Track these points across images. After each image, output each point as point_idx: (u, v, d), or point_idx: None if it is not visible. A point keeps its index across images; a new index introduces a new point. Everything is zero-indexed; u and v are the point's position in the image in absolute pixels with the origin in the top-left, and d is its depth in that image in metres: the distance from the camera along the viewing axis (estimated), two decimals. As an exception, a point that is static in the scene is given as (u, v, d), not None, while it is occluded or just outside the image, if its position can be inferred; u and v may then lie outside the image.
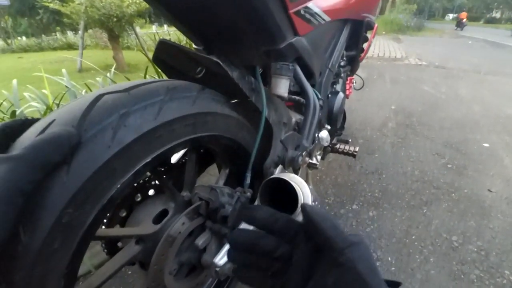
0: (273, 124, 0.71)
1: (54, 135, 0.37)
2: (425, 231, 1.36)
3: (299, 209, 0.52)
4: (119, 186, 0.43)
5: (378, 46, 7.05)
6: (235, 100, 0.71)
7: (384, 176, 1.79)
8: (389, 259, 1.20)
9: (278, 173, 0.68)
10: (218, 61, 0.56)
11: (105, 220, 0.66)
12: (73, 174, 0.39)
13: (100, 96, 0.43)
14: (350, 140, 1.03)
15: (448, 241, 1.30)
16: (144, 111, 0.44)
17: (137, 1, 4.06)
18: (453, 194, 1.63)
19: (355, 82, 1.82)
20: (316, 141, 0.75)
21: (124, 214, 0.70)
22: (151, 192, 0.75)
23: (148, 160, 0.46)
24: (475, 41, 9.34)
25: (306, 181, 1.06)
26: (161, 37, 0.59)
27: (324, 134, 0.71)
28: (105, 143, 0.40)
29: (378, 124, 2.55)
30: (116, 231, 0.62)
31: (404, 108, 2.95)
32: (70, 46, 9.77)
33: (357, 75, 1.88)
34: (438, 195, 1.62)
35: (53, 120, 0.42)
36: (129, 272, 1.15)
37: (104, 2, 3.93)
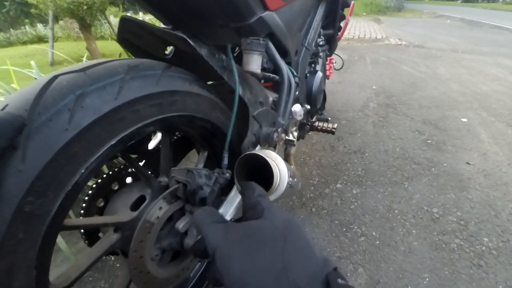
0: (249, 103, 0.70)
1: None
2: (407, 205, 1.40)
3: (275, 184, 0.52)
4: (83, 171, 0.41)
5: (359, 28, 7.06)
6: (209, 81, 0.69)
7: (366, 154, 1.82)
8: (374, 233, 1.24)
9: (258, 149, 0.67)
10: (184, 36, 0.53)
11: (82, 211, 0.64)
12: (29, 161, 0.36)
13: (55, 78, 0.41)
14: (329, 118, 1.03)
15: (429, 213, 1.35)
16: (103, 91, 0.42)
17: (109, -13, 3.86)
18: (433, 169, 1.68)
19: (335, 62, 1.82)
20: (290, 116, 0.75)
21: (102, 204, 0.68)
22: (128, 180, 0.73)
23: (113, 143, 0.44)
24: (453, 20, 9.49)
25: (288, 161, 1.06)
26: (122, 14, 0.56)
27: (297, 107, 0.70)
28: (61, 127, 0.38)
29: (360, 105, 2.58)
30: (92, 220, 0.60)
31: (384, 88, 2.98)
32: (41, 39, 9.27)
33: (336, 55, 1.88)
34: (418, 170, 1.67)
35: (6, 106, 0.39)
36: (118, 265, 1.13)
37: (72, -11, 3.71)
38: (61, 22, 8.24)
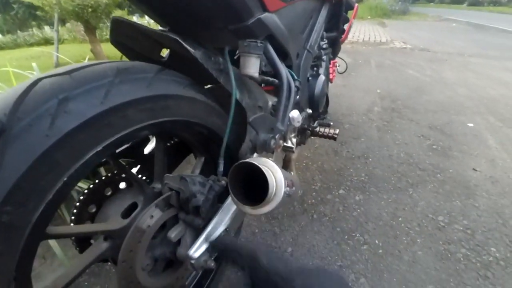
0: (247, 107, 0.67)
1: None
2: (412, 213, 1.35)
3: (271, 194, 0.49)
4: (66, 179, 0.39)
5: (364, 31, 7.01)
6: (206, 85, 0.67)
7: (370, 160, 1.78)
8: (377, 242, 1.20)
9: (254, 157, 0.65)
10: (177, 38, 0.51)
11: (73, 217, 0.62)
12: (7, 168, 0.34)
13: (38, 81, 0.39)
14: (331, 123, 1.00)
15: (434, 222, 1.30)
16: (87, 95, 0.40)
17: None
18: (439, 175, 1.63)
19: (339, 66, 1.79)
20: (288, 122, 0.72)
21: (94, 210, 0.66)
22: (122, 185, 0.71)
23: (99, 149, 0.41)
24: (459, 23, 9.39)
25: (289, 167, 1.04)
26: (113, 15, 0.54)
27: (295, 113, 0.67)
28: (41, 132, 0.36)
29: (364, 109, 2.54)
30: (79, 228, 0.58)
31: (389, 92, 2.94)
32: (47, 41, 9.35)
33: (340, 58, 1.85)
34: (423, 176, 1.62)
35: None
36: (114, 270, 1.11)
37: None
38: (67, 24, 8.32)
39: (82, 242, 0.64)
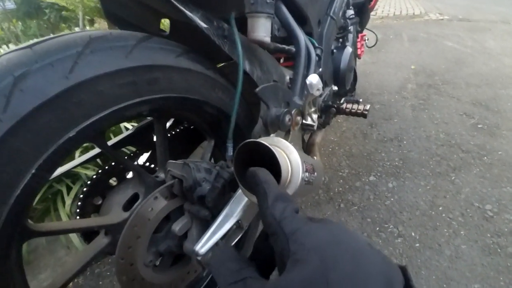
0: (259, 81, 0.58)
1: None
2: (454, 201, 1.21)
3: (284, 181, 0.40)
4: (34, 171, 0.33)
5: (393, 4, 6.48)
6: (217, 64, 0.58)
7: (404, 142, 1.62)
8: (413, 234, 1.08)
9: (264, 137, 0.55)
10: (166, -4, 0.42)
11: (77, 210, 0.58)
12: None
13: None
14: (360, 100, 0.88)
15: (481, 211, 1.16)
16: (50, 70, 0.33)
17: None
18: (485, 158, 1.45)
19: (368, 39, 1.61)
20: (305, 92, 0.60)
21: (100, 202, 0.61)
22: (130, 175, 0.66)
23: (71, 135, 0.34)
24: (503, -11, 8.43)
25: (312, 151, 0.93)
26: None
27: (313, 78, 0.55)
28: None
29: (397, 86, 2.33)
30: (76, 223, 0.52)
31: (425, 67, 2.68)
32: (77, 40, 9.81)
33: (369, 29, 1.66)
34: (467, 159, 1.45)
35: None
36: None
37: (100, -14, 3.77)
38: (96, 25, 8.59)
39: (90, 235, 0.60)
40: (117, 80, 0.38)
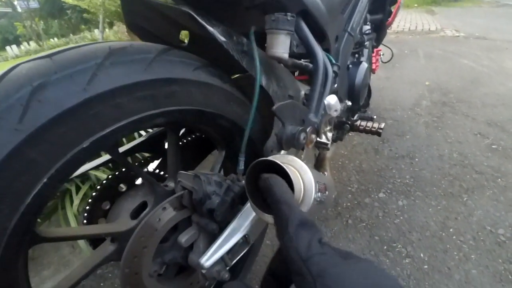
0: (274, 96, 0.57)
1: None
2: (466, 223, 1.17)
3: (295, 199, 0.39)
4: (46, 180, 0.33)
5: (410, 20, 6.46)
6: (234, 74, 0.58)
7: (416, 160, 1.59)
8: (422, 255, 1.04)
9: (278, 155, 0.55)
10: (189, 11, 0.43)
11: (85, 214, 0.58)
12: None
13: (15, 67, 0.33)
14: (374, 117, 0.86)
15: (493, 235, 1.11)
16: (68, 81, 0.33)
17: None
18: (499, 180, 1.40)
19: (383, 54, 1.60)
20: (323, 112, 0.60)
21: (108, 207, 0.61)
22: (138, 181, 0.66)
23: (85, 146, 0.35)
24: (522, 9, 8.29)
25: (322, 166, 0.92)
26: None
27: (332, 99, 0.54)
28: (10, 125, 0.30)
29: (410, 103, 2.30)
30: (83, 229, 0.52)
31: (440, 84, 2.64)
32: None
33: (385, 45, 1.65)
34: (481, 181, 1.40)
35: None
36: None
37: (119, -7, 3.87)
38: (114, 27, 8.83)
39: (96, 239, 0.60)
40: (135, 92, 0.38)
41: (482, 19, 6.61)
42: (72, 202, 1.17)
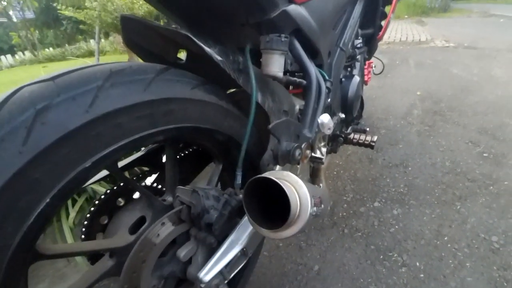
0: (270, 111, 0.59)
1: None
2: (460, 231, 1.19)
3: (293, 217, 0.40)
4: (49, 200, 0.34)
5: (400, 30, 6.62)
6: (229, 89, 0.60)
7: (410, 169, 1.62)
8: (417, 264, 1.05)
9: (273, 171, 0.56)
10: (187, 34, 0.45)
11: (83, 229, 0.58)
12: None
13: (18, 90, 0.34)
14: (367, 129, 0.89)
15: (487, 242, 1.13)
16: (71, 103, 0.34)
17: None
18: (492, 187, 1.43)
19: (375, 66, 1.65)
20: (317, 129, 0.62)
21: (106, 222, 0.62)
22: (136, 195, 0.67)
23: (87, 165, 0.36)
24: (508, 19, 8.50)
25: (317, 176, 0.94)
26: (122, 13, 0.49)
27: (325, 118, 0.57)
28: (14, 148, 0.31)
29: (402, 112, 2.34)
30: (81, 245, 0.53)
31: (431, 93, 2.70)
32: (91, 53, 10.07)
33: (376, 57, 1.70)
34: (473, 188, 1.43)
35: None
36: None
37: (116, 5, 3.94)
38: (110, 38, 8.90)
39: (94, 254, 0.60)
40: (135, 112, 0.39)
41: (471, 29, 6.79)
42: (68, 214, 1.17)
